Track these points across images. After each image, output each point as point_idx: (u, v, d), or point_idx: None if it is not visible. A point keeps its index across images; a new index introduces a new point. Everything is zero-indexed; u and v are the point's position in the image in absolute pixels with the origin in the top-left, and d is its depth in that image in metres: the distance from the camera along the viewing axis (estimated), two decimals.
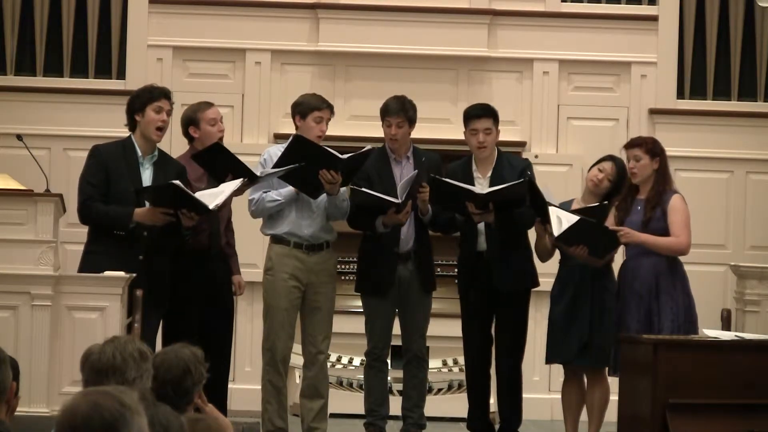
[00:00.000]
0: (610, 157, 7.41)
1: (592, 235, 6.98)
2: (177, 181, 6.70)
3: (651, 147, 7.21)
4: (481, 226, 7.29)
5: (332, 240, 7.37)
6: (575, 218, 6.93)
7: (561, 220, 6.93)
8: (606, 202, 7.17)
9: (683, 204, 7.14)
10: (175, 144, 8.44)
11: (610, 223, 7.12)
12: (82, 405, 2.51)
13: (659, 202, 7.11)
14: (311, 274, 7.26)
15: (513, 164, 7.42)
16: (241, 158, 7.32)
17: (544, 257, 7.41)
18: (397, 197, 7.14)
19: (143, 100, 7.00)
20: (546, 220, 7.01)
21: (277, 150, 7.21)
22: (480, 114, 7.41)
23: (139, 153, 7.00)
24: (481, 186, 7.28)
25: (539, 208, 7.06)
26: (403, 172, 7.38)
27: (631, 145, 7.30)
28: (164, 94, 7.06)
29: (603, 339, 7.15)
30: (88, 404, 2.51)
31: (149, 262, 6.91)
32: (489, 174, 7.37)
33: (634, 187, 7.21)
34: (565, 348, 7.24)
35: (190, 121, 7.33)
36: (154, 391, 3.83)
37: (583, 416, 7.35)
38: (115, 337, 3.90)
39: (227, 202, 6.91)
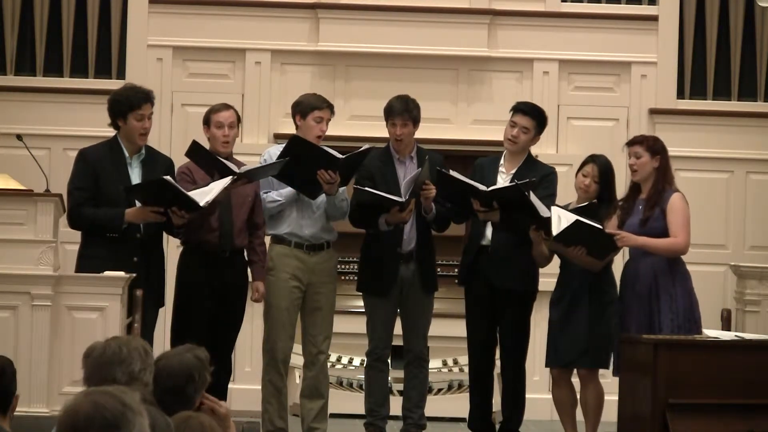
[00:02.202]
0: (591, 158, 7.33)
1: (589, 236, 6.96)
2: (167, 177, 6.68)
3: (651, 145, 7.20)
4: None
5: (333, 240, 7.37)
6: (574, 218, 6.91)
7: (561, 219, 6.91)
8: (594, 200, 7.15)
9: (682, 203, 7.12)
10: (175, 145, 8.43)
11: (612, 224, 7.10)
12: (84, 405, 2.51)
13: (659, 201, 7.09)
14: (312, 274, 7.26)
15: (538, 169, 7.39)
16: (241, 158, 7.31)
17: (542, 263, 7.38)
18: (400, 196, 7.14)
19: (124, 109, 6.91)
20: (540, 226, 6.98)
21: (277, 150, 7.21)
22: (524, 110, 7.40)
23: (126, 153, 6.98)
24: (504, 180, 7.28)
25: (532, 213, 7.01)
26: (407, 172, 7.36)
27: (632, 142, 7.30)
28: (145, 98, 6.97)
29: (600, 341, 7.13)
30: (89, 404, 2.51)
31: (143, 262, 6.90)
32: (514, 170, 7.36)
33: (636, 187, 7.21)
34: (563, 351, 7.22)
35: (205, 120, 7.29)
36: (155, 396, 3.81)
37: (580, 417, 7.34)
38: (116, 336, 3.91)
39: (218, 200, 6.85)
